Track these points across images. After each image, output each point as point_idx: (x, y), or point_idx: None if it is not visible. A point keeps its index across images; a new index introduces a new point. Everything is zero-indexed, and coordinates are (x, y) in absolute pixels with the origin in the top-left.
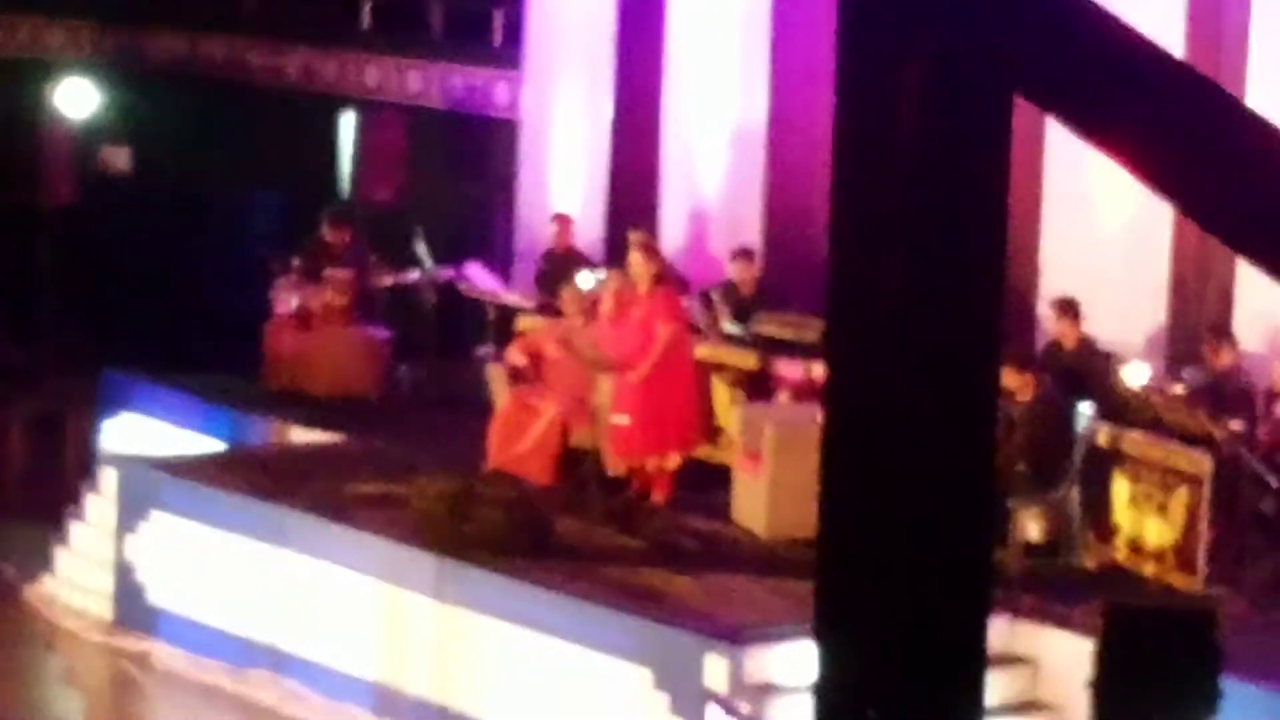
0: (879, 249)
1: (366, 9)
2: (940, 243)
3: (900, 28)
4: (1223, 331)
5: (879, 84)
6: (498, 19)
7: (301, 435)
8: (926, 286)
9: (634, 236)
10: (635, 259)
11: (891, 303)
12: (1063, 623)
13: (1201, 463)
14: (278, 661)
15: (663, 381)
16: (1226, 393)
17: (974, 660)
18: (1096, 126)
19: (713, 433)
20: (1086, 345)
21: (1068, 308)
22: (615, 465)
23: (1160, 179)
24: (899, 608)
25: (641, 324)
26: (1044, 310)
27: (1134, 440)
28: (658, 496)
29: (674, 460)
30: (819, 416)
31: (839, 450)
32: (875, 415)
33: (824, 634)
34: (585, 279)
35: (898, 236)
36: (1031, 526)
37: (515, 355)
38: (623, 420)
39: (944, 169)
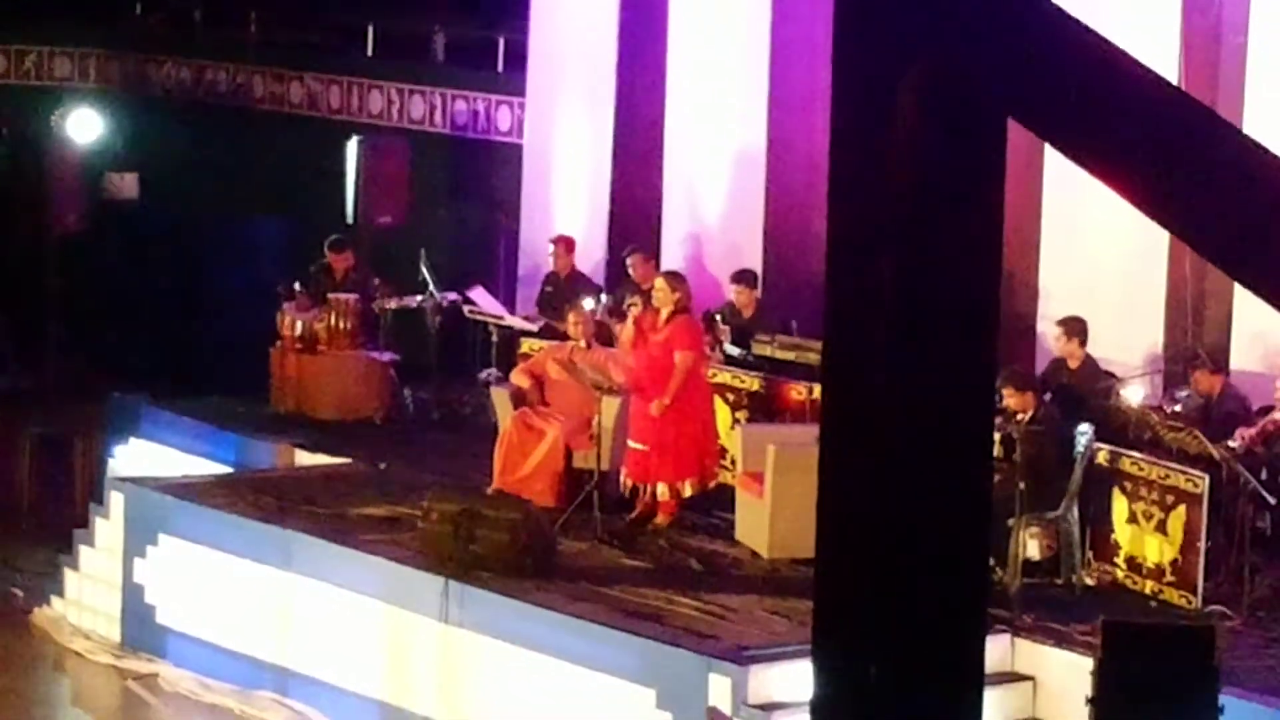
0: (875, 270)
1: (370, 36)
2: (936, 264)
3: (895, 52)
4: (1211, 357)
5: (874, 107)
6: (500, 45)
7: (307, 458)
8: (922, 307)
9: (638, 258)
10: (659, 286)
11: (888, 323)
12: (1062, 641)
13: (1200, 481)
14: (284, 682)
15: (680, 409)
16: (1216, 415)
17: (971, 678)
18: (1090, 151)
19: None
20: (1090, 365)
21: (1075, 328)
22: (623, 486)
23: (1154, 204)
24: (896, 625)
25: (661, 351)
26: (1043, 329)
27: (1133, 459)
28: (661, 518)
29: (689, 488)
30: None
31: (835, 469)
32: (871, 433)
33: (821, 652)
34: (589, 301)
35: (894, 257)
36: (1031, 545)
37: (519, 378)
38: (640, 448)
39: (939, 192)
